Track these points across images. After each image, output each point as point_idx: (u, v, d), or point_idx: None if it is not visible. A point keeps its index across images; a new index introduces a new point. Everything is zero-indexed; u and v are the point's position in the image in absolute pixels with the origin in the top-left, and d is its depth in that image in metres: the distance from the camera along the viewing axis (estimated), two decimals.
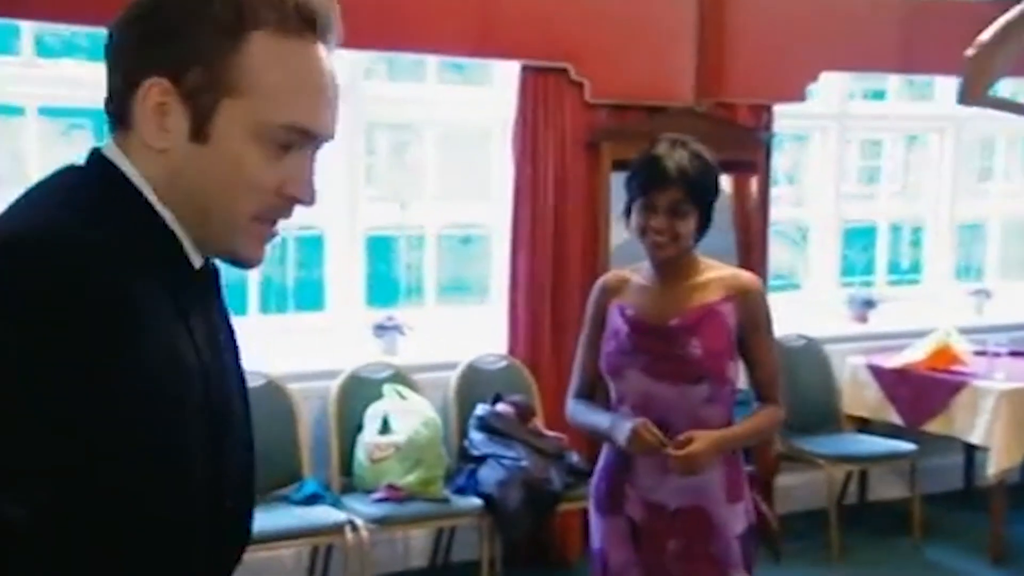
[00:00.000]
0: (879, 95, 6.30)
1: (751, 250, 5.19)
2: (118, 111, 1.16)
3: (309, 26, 1.16)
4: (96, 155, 1.17)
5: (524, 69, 4.71)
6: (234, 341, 1.33)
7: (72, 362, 0.98)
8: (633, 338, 2.70)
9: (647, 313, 2.71)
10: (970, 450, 5.66)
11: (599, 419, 2.81)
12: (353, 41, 3.98)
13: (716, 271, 2.77)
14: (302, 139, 1.17)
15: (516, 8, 4.63)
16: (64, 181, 1.16)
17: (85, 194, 1.12)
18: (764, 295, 2.82)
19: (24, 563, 0.98)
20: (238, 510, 1.27)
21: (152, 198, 1.14)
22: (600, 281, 2.94)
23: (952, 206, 6.34)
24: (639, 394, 2.69)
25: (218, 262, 1.28)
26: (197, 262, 1.21)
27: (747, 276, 2.84)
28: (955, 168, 6.31)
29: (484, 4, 4.58)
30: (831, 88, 5.68)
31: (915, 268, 6.40)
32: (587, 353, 2.86)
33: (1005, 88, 5.41)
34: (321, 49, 1.18)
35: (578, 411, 2.90)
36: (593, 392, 2.92)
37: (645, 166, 2.68)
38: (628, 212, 2.73)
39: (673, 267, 2.71)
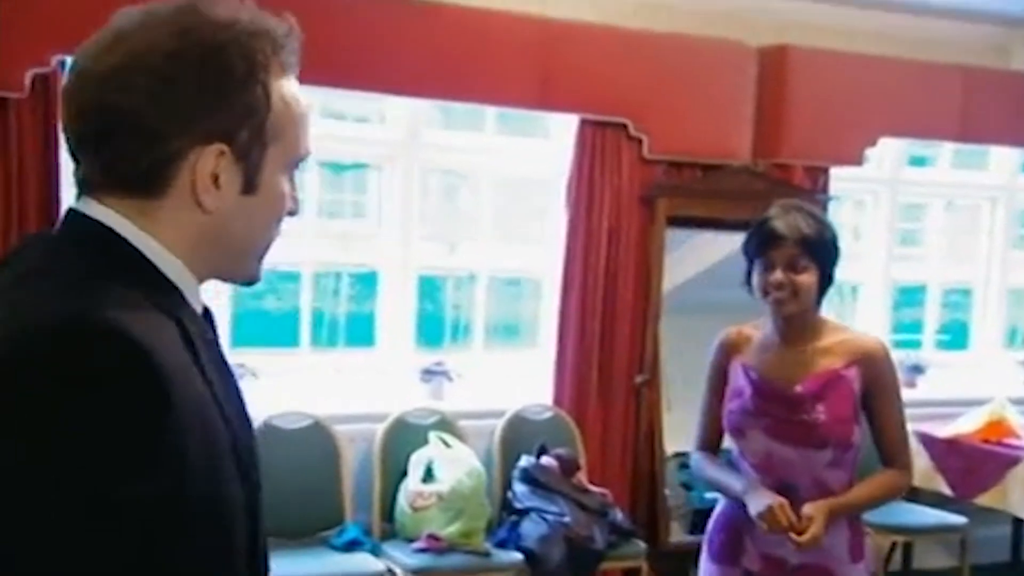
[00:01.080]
0: (920, 161, 6.07)
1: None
2: (141, 180, 1.10)
3: (293, 65, 1.18)
4: (88, 222, 1.12)
5: (583, 123, 4.55)
6: (236, 383, 1.27)
7: (131, 444, 0.96)
8: (756, 400, 2.62)
9: (771, 376, 2.63)
10: (1018, 522, 5.35)
11: (730, 480, 2.71)
12: (415, 90, 3.86)
13: (841, 334, 2.70)
14: (301, 164, 1.23)
15: (577, 62, 4.46)
16: (63, 256, 1.11)
17: (94, 270, 1.07)
18: (890, 359, 2.71)
19: None
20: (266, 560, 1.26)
21: (155, 258, 1.11)
22: (721, 336, 2.83)
23: (1004, 272, 6.09)
24: (761, 454, 2.62)
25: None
26: (199, 307, 1.19)
27: (872, 340, 2.76)
28: (1006, 235, 6.06)
29: (545, 57, 4.42)
30: (884, 152, 5.45)
31: (963, 333, 6.13)
32: (711, 407, 2.79)
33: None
34: (295, 76, 1.20)
35: (705, 465, 2.82)
36: (718, 445, 2.84)
37: (760, 227, 2.65)
38: (748, 278, 2.67)
39: (797, 327, 2.64)
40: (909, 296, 6.00)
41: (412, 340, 4.76)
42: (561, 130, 4.72)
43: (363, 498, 4.21)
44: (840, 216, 5.14)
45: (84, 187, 1.13)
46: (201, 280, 1.19)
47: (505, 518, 4.26)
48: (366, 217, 4.69)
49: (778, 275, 2.55)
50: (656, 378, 4.71)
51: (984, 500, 4.88)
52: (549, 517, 4.12)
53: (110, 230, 1.09)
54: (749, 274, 2.68)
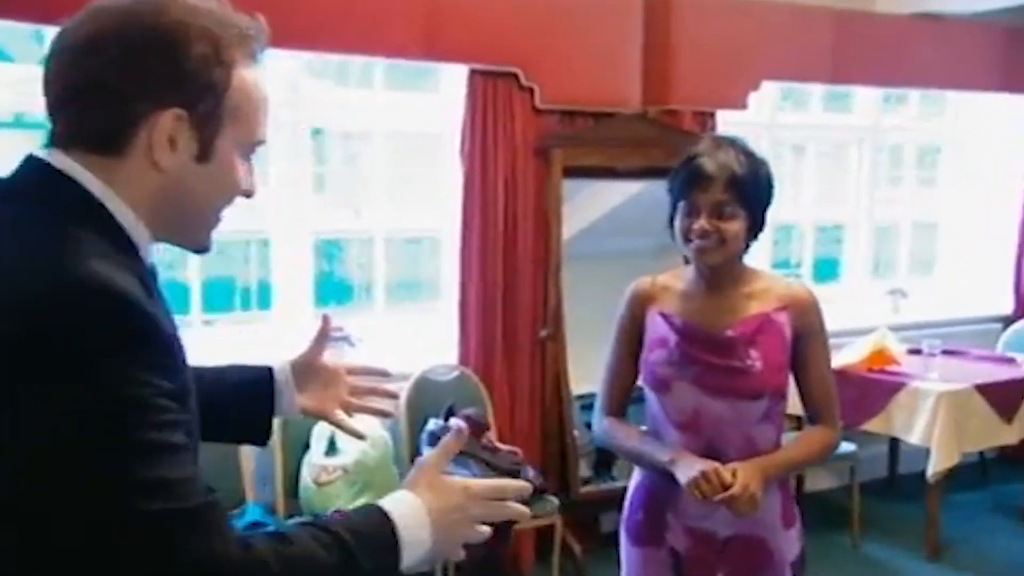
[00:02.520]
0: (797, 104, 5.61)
1: None
2: (104, 138, 1.11)
3: (260, 51, 1.18)
4: (52, 171, 1.11)
5: (472, 73, 3.88)
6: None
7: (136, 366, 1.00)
8: (683, 347, 2.14)
9: (698, 321, 2.15)
10: (894, 441, 5.05)
11: (653, 449, 2.18)
12: (297, 42, 3.17)
13: (768, 280, 2.23)
14: (258, 148, 1.22)
15: (464, 10, 3.81)
16: (43, 213, 1.09)
17: (65, 223, 1.07)
18: (819, 307, 2.20)
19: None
20: None
21: (118, 213, 1.12)
22: (632, 287, 2.28)
23: (871, 209, 5.67)
24: (688, 410, 2.14)
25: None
26: (148, 260, 1.19)
27: (801, 286, 2.28)
28: (872, 174, 5.62)
29: (431, 5, 3.74)
30: (763, 96, 4.91)
31: (834, 268, 5.68)
32: (621, 364, 2.27)
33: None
34: (262, 66, 1.20)
35: (619, 434, 2.27)
36: (625, 407, 2.31)
37: (686, 165, 2.11)
38: (671, 220, 2.15)
39: (723, 274, 2.15)
40: (784, 234, 5.51)
41: (310, 305, 4.06)
42: (451, 83, 4.04)
43: (264, 476, 3.55)
44: None
45: (52, 141, 1.13)
46: (154, 240, 1.18)
47: None
48: (270, 184, 3.94)
49: (702, 222, 2.05)
50: (560, 330, 4.10)
51: (871, 426, 4.50)
52: None
53: (74, 181, 1.10)
54: (672, 218, 2.15)
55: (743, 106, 4.51)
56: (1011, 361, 4.84)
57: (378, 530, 1.16)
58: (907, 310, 5.45)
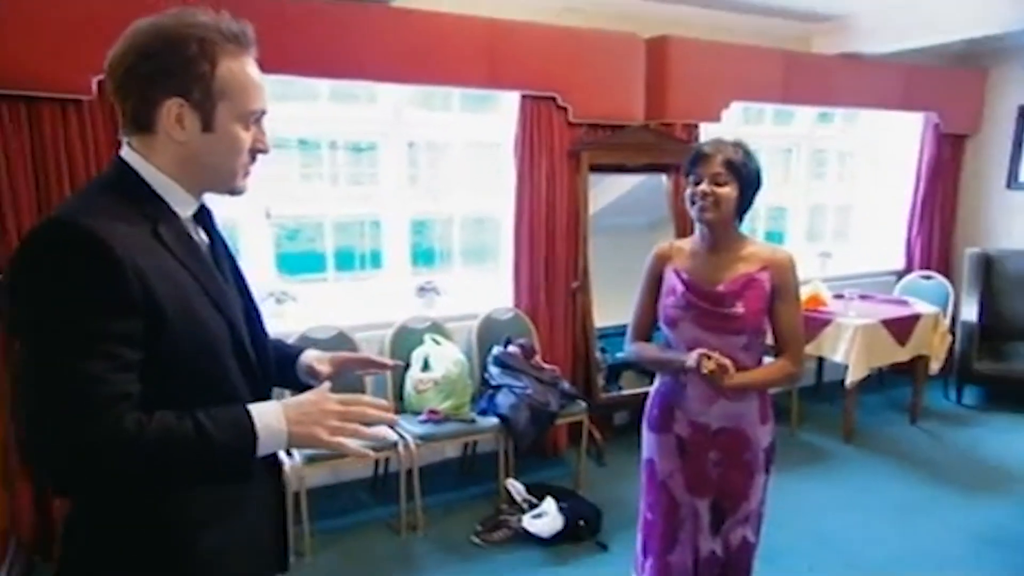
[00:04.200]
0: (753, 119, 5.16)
1: (685, 229, 4.11)
2: (138, 122, 1.08)
3: (246, 46, 1.11)
4: (118, 160, 1.10)
5: (523, 97, 3.59)
6: (227, 250, 1.23)
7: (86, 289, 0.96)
8: (688, 296, 1.98)
9: (699, 277, 1.98)
10: (820, 360, 4.74)
11: (673, 355, 1.99)
12: (395, 77, 2.81)
13: (757, 246, 2.01)
14: (259, 115, 1.14)
15: (517, 52, 3.50)
16: (93, 183, 1.11)
17: (99, 189, 1.07)
18: (795, 269, 1.98)
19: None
20: (258, 353, 1.18)
21: (149, 177, 1.08)
22: (655, 250, 2.11)
23: (807, 196, 5.27)
24: (690, 340, 1.97)
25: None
26: (186, 211, 1.13)
27: (783, 252, 2.00)
28: (807, 169, 5.24)
29: (493, 49, 3.44)
30: (731, 114, 4.53)
31: (781, 237, 5.33)
32: (645, 305, 2.09)
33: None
34: (253, 57, 1.13)
35: (646, 350, 2.10)
36: (649, 337, 2.11)
37: (694, 150, 1.97)
38: (684, 193, 1.99)
39: (720, 237, 1.96)
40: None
41: (408, 266, 3.83)
42: (506, 106, 3.74)
43: (380, 386, 3.33)
44: None
45: (122, 131, 1.10)
46: (196, 193, 1.13)
47: (484, 392, 3.39)
48: (381, 182, 3.70)
49: (703, 186, 1.91)
50: (586, 282, 3.83)
51: (808, 350, 4.16)
52: (516, 390, 3.28)
53: (124, 161, 1.08)
54: (686, 189, 1.99)
55: (718, 119, 4.16)
56: (905, 303, 4.54)
57: (233, 413, 1.03)
58: (832, 267, 5.11)
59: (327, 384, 1.16)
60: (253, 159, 1.14)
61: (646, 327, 2.09)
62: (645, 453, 2.14)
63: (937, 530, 3.17)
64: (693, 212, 1.94)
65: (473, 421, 3.20)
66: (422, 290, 3.67)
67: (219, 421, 1.01)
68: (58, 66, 2.58)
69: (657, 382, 2.13)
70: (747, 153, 1.92)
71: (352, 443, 1.10)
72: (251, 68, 1.10)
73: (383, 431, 1.15)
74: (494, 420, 3.21)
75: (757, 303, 1.92)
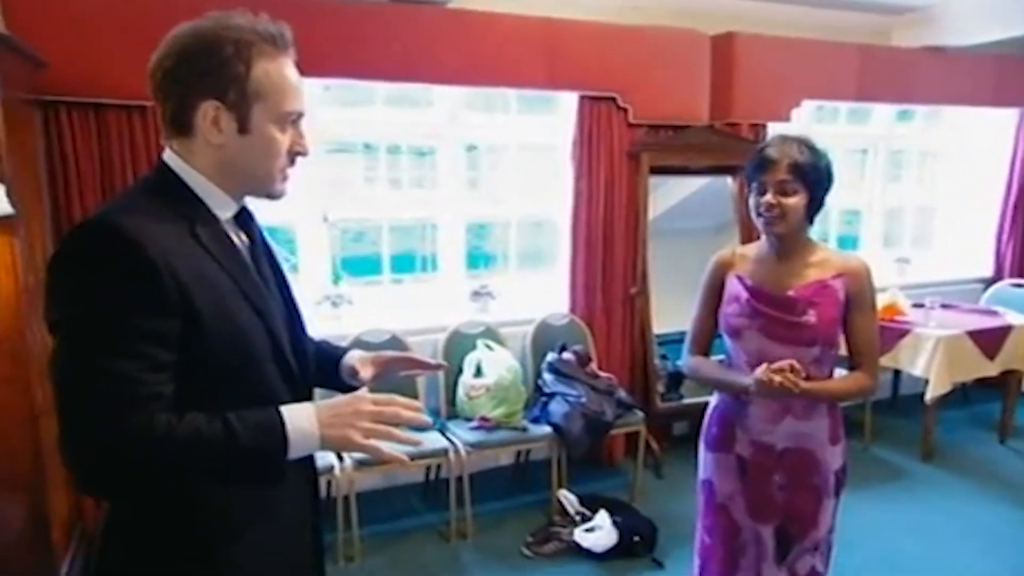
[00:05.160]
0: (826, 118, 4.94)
1: (752, 232, 3.95)
2: (177, 125, 1.07)
3: (283, 48, 1.09)
4: (160, 163, 1.10)
5: (582, 98, 3.51)
6: (270, 253, 1.21)
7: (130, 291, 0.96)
8: (753, 303, 1.83)
9: (766, 283, 1.84)
10: (897, 372, 4.50)
11: (734, 375, 1.85)
12: (454, 79, 2.77)
13: (828, 252, 1.86)
14: (296, 117, 1.11)
15: (575, 52, 3.43)
16: (135, 185, 1.14)
17: (140, 191, 1.09)
18: (871, 277, 1.84)
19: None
20: (298, 358, 1.15)
21: (189, 179, 1.08)
22: (715, 257, 1.97)
23: (883, 198, 5.01)
24: (755, 351, 1.82)
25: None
26: (226, 213, 1.12)
27: (856, 258, 1.87)
28: (884, 171, 4.96)
29: (551, 49, 3.39)
30: (801, 113, 4.33)
31: (855, 243, 5.07)
32: (704, 315, 1.95)
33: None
34: (291, 59, 1.11)
35: (705, 367, 1.95)
36: (708, 350, 1.97)
37: (757, 154, 1.80)
38: (747, 199, 1.84)
39: (788, 244, 1.82)
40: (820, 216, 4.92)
41: (464, 270, 3.80)
42: (564, 107, 3.66)
43: (432, 391, 3.32)
44: None
45: (164, 134, 1.09)
46: (236, 196, 1.12)
47: (537, 400, 3.33)
48: (439, 185, 3.69)
49: (768, 198, 1.75)
50: (645, 288, 3.72)
51: (883, 361, 3.94)
52: (570, 398, 3.20)
53: (165, 164, 1.08)
54: (748, 197, 1.84)
55: (787, 119, 3.97)
56: (994, 313, 4.24)
57: (263, 416, 1.00)
58: (911, 274, 4.82)
59: (365, 387, 1.14)
60: (292, 162, 1.12)
61: (705, 339, 1.96)
62: (702, 473, 2.01)
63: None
64: (759, 224, 1.80)
65: (525, 429, 3.14)
66: (476, 294, 3.63)
67: (248, 423, 0.99)
68: (123, 73, 2.66)
69: (716, 397, 2.00)
70: (814, 150, 1.76)
71: (386, 447, 1.07)
72: (288, 69, 1.09)
73: (417, 436, 1.11)
74: (547, 429, 3.15)
75: (831, 312, 1.78)
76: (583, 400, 3.18)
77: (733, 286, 1.88)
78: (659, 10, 3.75)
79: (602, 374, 3.39)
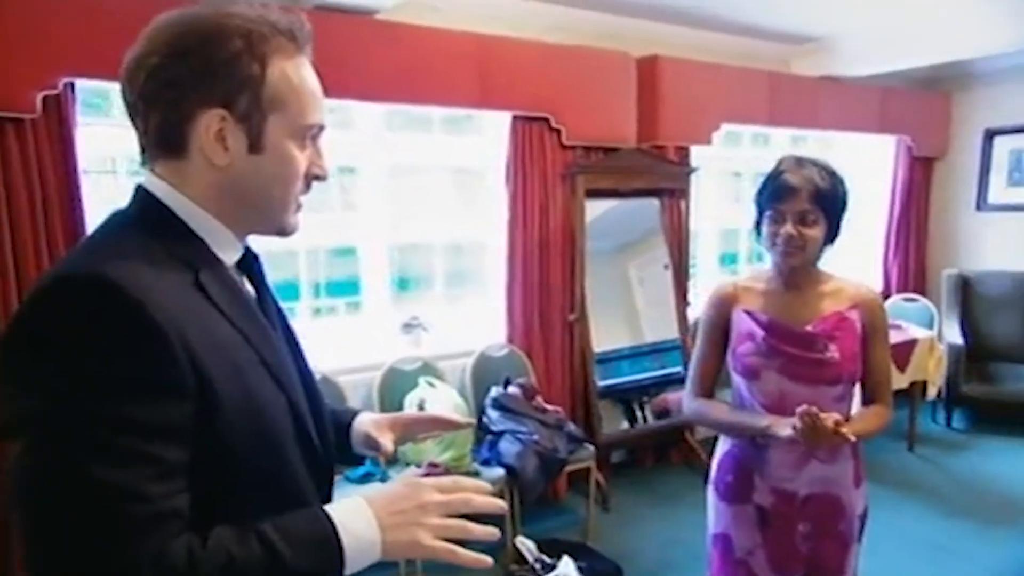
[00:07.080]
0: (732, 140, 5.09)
1: (680, 252, 3.97)
2: (166, 143, 0.82)
3: (301, 44, 0.85)
4: (141, 192, 0.83)
5: (515, 118, 3.39)
6: (277, 305, 0.97)
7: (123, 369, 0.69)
8: (770, 341, 1.70)
9: (780, 317, 1.71)
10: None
11: (751, 418, 1.69)
12: (379, 96, 2.32)
13: (838, 281, 1.75)
14: (318, 131, 0.88)
15: (508, 70, 3.31)
16: (111, 221, 0.83)
17: (124, 229, 0.81)
18: (883, 307, 1.77)
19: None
20: (320, 436, 0.90)
21: (183, 212, 0.82)
22: (716, 290, 1.82)
23: None
24: (775, 393, 1.69)
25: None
26: (231, 257, 0.87)
27: (868, 288, 1.77)
28: None
29: (484, 66, 3.24)
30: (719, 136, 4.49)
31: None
32: (709, 356, 1.81)
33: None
34: (308, 59, 0.87)
35: (714, 411, 1.78)
36: (712, 393, 1.82)
37: (774, 180, 1.66)
38: (758, 227, 1.71)
39: (800, 275, 1.71)
40: (731, 234, 5.10)
41: (390, 299, 3.54)
42: (488, 128, 3.54)
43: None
44: (695, 181, 4.10)
45: (143, 157, 0.85)
46: (241, 233, 0.87)
47: (483, 439, 3.12)
48: (356, 208, 3.42)
49: (788, 228, 1.63)
50: (584, 314, 3.62)
51: (910, 376, 4.23)
52: (521, 436, 3.02)
53: (149, 193, 0.83)
54: (759, 224, 1.71)
55: (709, 142, 4.07)
56: (898, 327, 4.51)
57: (309, 524, 0.78)
58: None
59: (414, 470, 0.92)
60: (308, 187, 0.90)
61: (710, 380, 1.82)
62: (715, 527, 1.85)
63: (968, 570, 3.05)
64: (773, 255, 1.69)
65: (477, 473, 2.91)
66: (408, 326, 3.38)
67: (292, 537, 0.76)
68: None
69: (727, 443, 1.84)
70: (833, 175, 1.66)
71: (465, 551, 0.85)
72: (307, 72, 0.87)
73: (492, 530, 0.89)
74: (499, 471, 2.94)
75: (852, 346, 1.68)
76: (535, 437, 3.01)
77: (743, 323, 1.75)
78: (583, 30, 3.72)
79: (549, 407, 3.24)
